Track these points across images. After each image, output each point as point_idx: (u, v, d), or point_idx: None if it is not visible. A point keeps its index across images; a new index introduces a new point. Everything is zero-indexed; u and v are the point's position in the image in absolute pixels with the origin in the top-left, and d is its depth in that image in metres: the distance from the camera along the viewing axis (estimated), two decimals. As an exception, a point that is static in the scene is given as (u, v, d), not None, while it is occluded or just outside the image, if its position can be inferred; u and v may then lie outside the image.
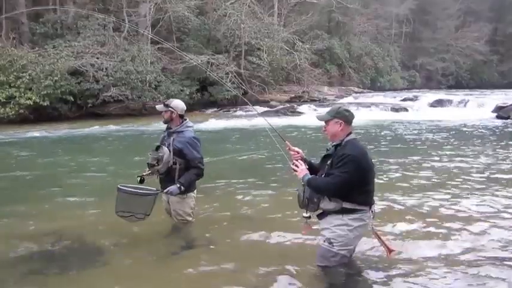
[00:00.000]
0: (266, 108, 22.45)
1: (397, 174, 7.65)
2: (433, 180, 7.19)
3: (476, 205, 5.57)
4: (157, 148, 4.46)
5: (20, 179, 7.94)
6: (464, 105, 22.31)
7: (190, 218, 4.66)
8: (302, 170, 3.51)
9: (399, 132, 14.61)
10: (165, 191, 4.36)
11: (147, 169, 4.42)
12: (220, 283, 3.55)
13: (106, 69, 19.07)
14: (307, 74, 28.99)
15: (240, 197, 6.27)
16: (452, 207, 5.51)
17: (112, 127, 16.64)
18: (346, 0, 34.02)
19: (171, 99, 4.63)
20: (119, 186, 4.16)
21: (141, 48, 20.76)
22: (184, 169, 4.39)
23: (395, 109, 21.99)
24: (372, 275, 3.61)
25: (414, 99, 25.62)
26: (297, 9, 33.54)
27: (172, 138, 4.41)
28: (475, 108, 21.17)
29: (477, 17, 51.66)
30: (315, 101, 26.54)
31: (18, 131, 15.37)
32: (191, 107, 18.20)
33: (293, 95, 27.30)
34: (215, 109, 23.59)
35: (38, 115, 18.06)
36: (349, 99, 27.77)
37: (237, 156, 9.77)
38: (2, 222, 5.22)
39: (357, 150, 3.37)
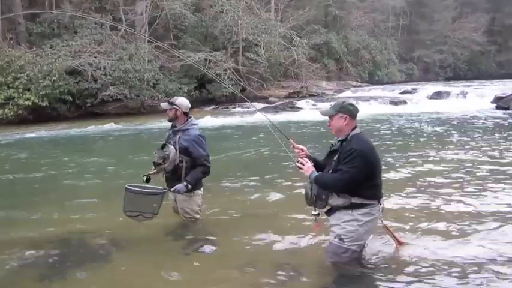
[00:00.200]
0: (265, 105, 22.40)
1: (401, 169, 7.55)
2: (440, 174, 7.09)
3: (486, 200, 5.48)
4: (163, 146, 4.45)
5: (19, 181, 7.89)
6: (464, 97, 22.26)
7: (198, 216, 4.66)
8: (308, 167, 3.49)
9: (400, 126, 14.60)
10: (172, 189, 4.35)
11: (153, 168, 4.40)
12: (230, 280, 3.54)
13: (104, 68, 19.01)
14: (305, 69, 28.91)
15: (246, 194, 6.27)
16: (461, 203, 5.43)
17: (111, 126, 16.60)
18: (343, -7, 33.96)
19: (175, 97, 4.62)
20: (126, 186, 4.15)
21: (139, 47, 20.69)
22: (190, 167, 4.38)
23: (395, 102, 21.93)
24: (382, 269, 3.60)
25: (413, 92, 25.57)
26: (294, 4, 33.42)
27: (178, 136, 4.40)
28: (475, 99, 21.11)
29: (474, 7, 51.50)
30: (314, 96, 26.46)
31: (17, 132, 15.34)
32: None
33: (291, 91, 27.21)
34: (213, 106, 23.52)
35: (37, 116, 18.03)
36: (348, 93, 27.71)
37: (241, 153, 9.76)
38: (2, 226, 5.17)
39: (363, 144, 3.35)
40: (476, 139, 10.87)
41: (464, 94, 22.65)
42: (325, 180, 3.39)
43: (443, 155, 8.85)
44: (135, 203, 4.11)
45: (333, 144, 3.56)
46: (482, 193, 5.83)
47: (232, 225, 4.93)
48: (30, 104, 17.24)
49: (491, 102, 19.75)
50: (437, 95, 23.24)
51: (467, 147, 9.67)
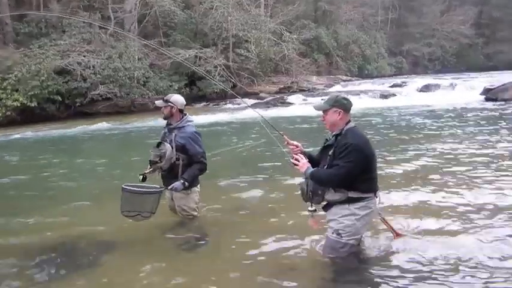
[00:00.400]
0: (256, 100, 22.38)
1: (395, 163, 7.48)
2: (433, 167, 7.07)
3: (481, 193, 5.47)
4: (159, 145, 4.42)
5: (9, 183, 7.74)
6: (453, 89, 22.38)
7: (195, 213, 4.66)
8: (303, 163, 3.47)
9: (391, 119, 14.66)
10: (169, 187, 4.33)
11: (149, 166, 4.38)
12: (229, 278, 3.54)
13: (93, 67, 18.89)
14: (296, 64, 28.93)
15: (242, 190, 6.27)
16: (456, 195, 5.42)
17: (101, 126, 16.48)
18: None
19: (170, 94, 4.60)
20: (123, 186, 4.11)
21: (128, 45, 20.57)
22: (187, 165, 4.37)
23: (385, 96, 21.99)
24: (380, 262, 3.62)
25: (403, 85, 25.66)
26: (283, -1, 33.43)
27: (173, 134, 4.37)
28: (464, 92, 21.21)
29: (462, 0, 51.88)
30: (304, 91, 26.45)
31: (5, 134, 15.18)
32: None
33: (282, 86, 27.22)
34: (204, 103, 23.49)
35: (26, 116, 17.85)
36: (338, 87, 27.75)
37: (234, 149, 9.74)
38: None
39: (358, 138, 3.34)
40: (469, 131, 10.90)
41: (453, 86, 22.77)
42: (321, 175, 3.38)
43: (436, 147, 8.84)
44: (133, 203, 4.09)
45: (327, 139, 3.54)
46: (477, 186, 5.82)
47: (229, 222, 4.91)
48: (18, 104, 17.07)
49: (480, 94, 19.86)
50: (427, 88, 23.35)
51: (460, 139, 9.68)
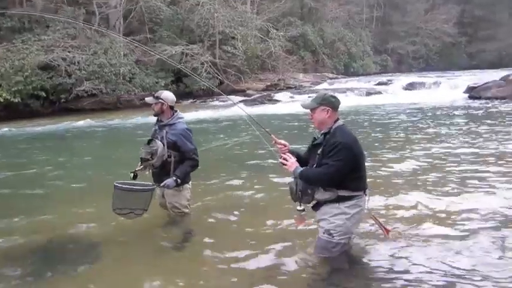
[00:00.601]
0: (243, 98, 22.37)
1: (384, 162, 7.50)
2: (421, 166, 7.08)
3: (468, 191, 5.55)
4: (149, 142, 4.39)
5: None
6: (437, 87, 22.74)
7: (187, 210, 4.65)
8: (292, 163, 3.43)
9: (377, 117, 14.79)
10: (161, 184, 4.30)
11: (139, 164, 4.36)
12: (220, 274, 3.55)
13: (78, 62, 18.64)
14: (282, 62, 29.03)
15: (233, 186, 6.28)
16: (445, 194, 5.47)
17: (87, 122, 16.27)
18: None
19: (160, 91, 4.55)
20: (115, 183, 4.08)
21: (113, 41, 20.32)
22: (179, 161, 4.35)
23: (371, 93, 22.25)
24: (372, 260, 3.67)
25: (388, 83, 26.00)
26: (270, -4, 33.41)
27: (165, 131, 4.35)
28: (448, 90, 21.56)
29: (445, -1, 52.68)
30: (291, 88, 26.59)
31: (-11, 130, 14.91)
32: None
33: (269, 83, 27.28)
34: (191, 100, 23.38)
35: (9, 112, 17.50)
36: (324, 85, 27.95)
37: (222, 146, 9.75)
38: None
39: (347, 136, 3.31)
40: (456, 130, 11.01)
41: (437, 84, 23.14)
42: (310, 175, 3.35)
43: (424, 146, 8.89)
44: (125, 201, 4.07)
45: (315, 138, 3.49)
46: (466, 186, 5.85)
47: (220, 219, 4.91)
48: (1, 100, 16.75)
49: (464, 92, 20.24)
50: (412, 86, 23.70)
51: (447, 137, 9.78)
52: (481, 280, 3.30)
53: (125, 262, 3.87)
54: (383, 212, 4.81)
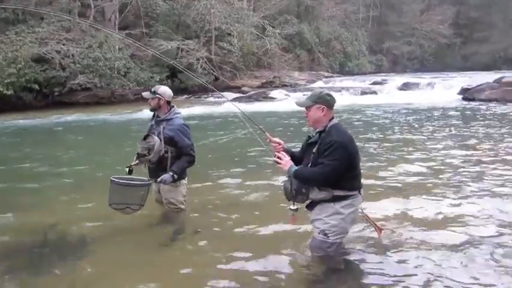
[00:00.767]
0: (238, 94, 22.33)
1: (378, 163, 7.47)
2: (416, 168, 7.03)
3: (464, 192, 5.54)
4: (146, 137, 4.34)
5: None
6: (432, 88, 22.83)
7: (183, 206, 4.62)
8: (286, 162, 3.38)
9: (372, 117, 14.83)
10: (158, 180, 4.26)
11: (135, 158, 4.32)
12: (215, 271, 3.52)
13: (72, 56, 18.50)
14: (278, 59, 28.99)
15: (228, 183, 6.25)
16: (440, 196, 5.45)
17: (80, 116, 16.18)
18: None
19: (157, 86, 4.51)
20: (111, 178, 4.03)
21: (109, 34, 20.15)
22: (176, 157, 4.32)
23: (366, 93, 22.28)
24: (368, 259, 3.66)
25: (383, 83, 26.03)
26: (266, -7, 33.32)
27: (162, 126, 4.31)
28: (442, 91, 21.68)
29: (441, 0, 52.77)
30: (286, 86, 26.55)
31: (-20, 122, 14.76)
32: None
33: (264, 81, 27.23)
34: (186, 96, 23.30)
35: (1, 105, 17.32)
36: (320, 83, 27.92)
37: (217, 141, 9.71)
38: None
39: (343, 135, 3.27)
40: (449, 130, 11.08)
41: (432, 85, 23.23)
42: (305, 174, 3.30)
43: (418, 146, 8.92)
44: (121, 195, 4.02)
45: (310, 136, 3.44)
46: (460, 188, 5.82)
47: (216, 215, 4.88)
48: (-6, 92, 16.61)
49: (458, 94, 20.35)
50: (407, 86, 23.75)
51: (441, 138, 9.82)
52: (476, 284, 3.29)
53: (118, 260, 3.83)
54: (375, 212, 4.75)
